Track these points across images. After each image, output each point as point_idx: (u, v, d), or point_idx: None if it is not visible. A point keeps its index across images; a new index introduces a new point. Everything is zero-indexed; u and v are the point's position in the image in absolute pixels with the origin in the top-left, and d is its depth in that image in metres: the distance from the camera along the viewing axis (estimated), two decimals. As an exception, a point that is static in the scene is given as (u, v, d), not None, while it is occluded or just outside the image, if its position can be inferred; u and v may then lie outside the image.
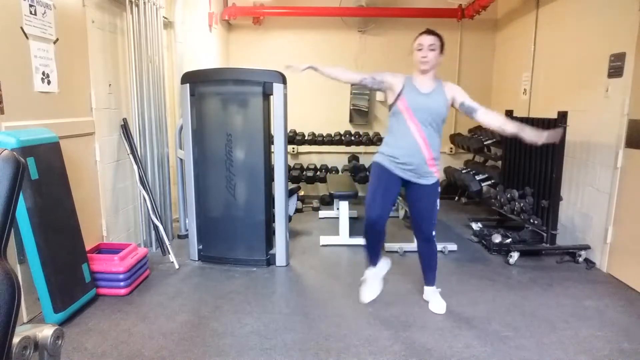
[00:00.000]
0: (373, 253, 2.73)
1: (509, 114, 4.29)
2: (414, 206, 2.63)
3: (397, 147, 2.50)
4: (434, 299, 2.72)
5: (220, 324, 2.48)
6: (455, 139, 5.82)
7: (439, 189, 2.61)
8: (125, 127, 3.40)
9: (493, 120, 2.43)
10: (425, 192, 2.55)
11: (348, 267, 3.46)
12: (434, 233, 2.64)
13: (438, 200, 2.61)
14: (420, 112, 2.43)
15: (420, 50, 2.42)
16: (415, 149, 2.46)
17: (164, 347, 2.24)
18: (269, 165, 3.34)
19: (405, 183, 2.56)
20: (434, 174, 2.54)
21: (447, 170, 5.72)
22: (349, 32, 5.69)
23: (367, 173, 4.84)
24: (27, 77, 2.42)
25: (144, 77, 3.45)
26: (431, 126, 2.46)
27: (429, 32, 2.46)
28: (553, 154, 3.47)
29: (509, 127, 2.38)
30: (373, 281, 2.77)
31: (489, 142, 5.07)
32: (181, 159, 3.84)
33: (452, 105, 2.51)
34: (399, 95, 2.46)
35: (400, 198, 4.37)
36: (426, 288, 2.78)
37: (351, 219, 4.24)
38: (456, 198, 5.64)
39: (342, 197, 3.96)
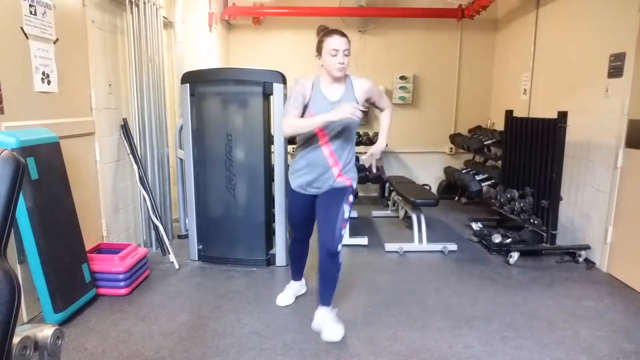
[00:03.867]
0: (295, 268, 2.81)
1: (509, 113, 4.29)
2: (317, 213, 2.35)
3: (301, 161, 2.35)
4: (329, 322, 2.33)
5: (220, 324, 2.48)
6: (455, 139, 5.82)
7: (350, 197, 2.35)
8: (125, 127, 3.40)
9: (382, 119, 2.49)
10: (329, 196, 2.33)
11: (348, 267, 3.45)
12: (339, 247, 2.25)
13: (346, 207, 2.30)
14: (330, 128, 2.23)
15: (335, 56, 2.16)
16: (321, 164, 2.30)
17: (164, 347, 2.24)
18: (269, 165, 3.34)
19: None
20: (344, 181, 2.34)
21: (447, 171, 5.73)
22: (349, 32, 5.60)
23: (367, 173, 4.84)
24: (27, 77, 2.42)
25: (144, 77, 3.45)
26: (341, 138, 2.28)
27: (342, 34, 2.21)
28: (553, 154, 3.47)
29: (381, 133, 2.46)
30: (289, 292, 2.80)
31: (489, 142, 5.08)
32: (181, 159, 3.84)
33: (366, 101, 2.37)
34: (306, 105, 2.24)
35: (400, 197, 4.37)
36: (320, 309, 2.39)
37: (351, 218, 4.24)
38: (456, 198, 5.64)
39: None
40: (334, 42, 2.17)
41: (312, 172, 2.35)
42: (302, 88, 2.26)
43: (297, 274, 2.83)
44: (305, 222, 2.57)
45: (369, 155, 2.39)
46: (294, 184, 2.44)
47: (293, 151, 2.51)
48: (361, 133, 5.65)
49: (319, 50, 2.25)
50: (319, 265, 2.35)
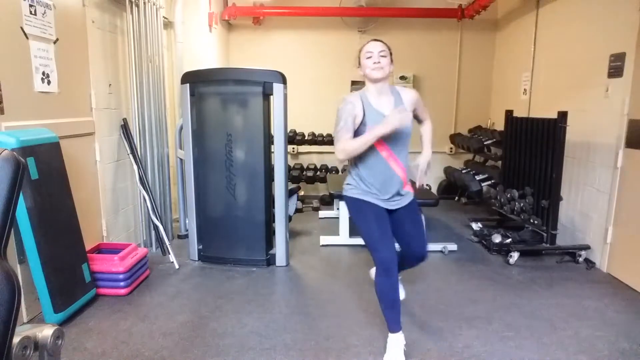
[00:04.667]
0: (396, 310, 2.15)
1: (509, 113, 4.29)
2: (401, 228, 2.26)
3: (374, 181, 2.19)
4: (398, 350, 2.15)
5: (220, 324, 2.48)
6: (455, 139, 5.82)
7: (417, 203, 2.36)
8: (125, 127, 3.40)
9: (424, 134, 2.45)
10: (407, 210, 2.27)
11: (348, 267, 3.46)
12: (427, 249, 2.32)
13: (422, 215, 2.38)
14: (389, 137, 2.11)
15: (370, 57, 2.12)
16: (393, 178, 2.19)
17: (164, 347, 2.24)
18: (269, 165, 3.34)
19: (388, 211, 2.26)
20: (410, 190, 2.30)
21: (447, 171, 5.73)
22: (349, 32, 5.69)
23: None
24: (27, 77, 2.42)
25: (144, 77, 3.45)
26: (401, 147, 2.21)
27: (376, 39, 2.19)
28: (553, 154, 3.47)
29: (426, 144, 2.43)
30: (398, 349, 2.14)
31: (489, 142, 5.08)
32: (181, 159, 3.84)
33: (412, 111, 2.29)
34: (362, 124, 2.13)
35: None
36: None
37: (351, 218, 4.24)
38: (456, 198, 5.64)
39: (342, 197, 3.94)
40: (368, 46, 2.16)
41: (384, 185, 2.20)
42: (351, 108, 2.13)
43: (397, 322, 2.16)
44: (390, 235, 2.16)
45: (422, 173, 2.32)
46: (365, 197, 2.21)
47: (346, 165, 2.37)
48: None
49: (358, 61, 2.21)
50: (403, 266, 2.31)
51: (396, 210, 2.25)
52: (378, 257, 2.10)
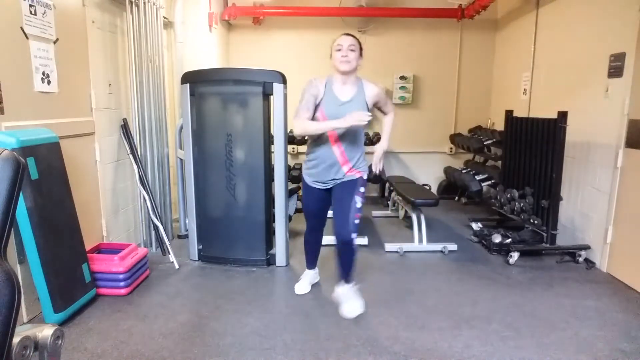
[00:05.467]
0: (310, 257, 2.96)
1: (509, 113, 4.29)
2: (333, 206, 2.56)
3: (314, 160, 2.55)
4: (349, 299, 2.57)
5: (220, 324, 2.48)
6: (455, 139, 5.82)
7: (361, 188, 2.52)
8: (125, 127, 3.41)
9: (385, 125, 2.68)
10: (341, 189, 2.52)
11: (348, 267, 3.45)
12: (353, 235, 2.45)
13: (357, 198, 2.47)
14: (340, 131, 2.40)
15: (339, 50, 2.38)
16: (332, 162, 2.49)
17: (164, 347, 2.24)
18: (269, 165, 3.34)
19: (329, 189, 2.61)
20: (354, 174, 2.53)
21: (447, 171, 5.73)
22: (349, 32, 5.68)
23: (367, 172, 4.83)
24: (27, 77, 2.42)
25: (144, 77, 3.45)
26: (350, 138, 2.44)
27: (347, 34, 2.45)
28: (553, 154, 3.47)
29: (383, 135, 2.67)
30: (306, 281, 2.95)
31: (489, 142, 5.08)
32: (181, 159, 3.84)
33: (374, 105, 2.55)
34: (319, 104, 2.43)
35: (400, 197, 4.37)
36: (341, 285, 2.65)
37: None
38: (456, 198, 5.64)
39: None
40: (339, 40, 2.42)
41: (324, 170, 2.53)
42: (314, 89, 2.42)
43: (311, 263, 2.97)
44: (318, 212, 2.74)
45: (377, 160, 2.59)
46: (307, 180, 2.64)
47: (306, 146, 2.69)
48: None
49: (331, 52, 2.46)
50: (337, 251, 2.61)
51: (333, 187, 2.56)
52: (307, 224, 2.83)
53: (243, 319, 2.54)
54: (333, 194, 2.58)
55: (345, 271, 2.62)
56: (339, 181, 2.54)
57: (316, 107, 2.44)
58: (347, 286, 2.65)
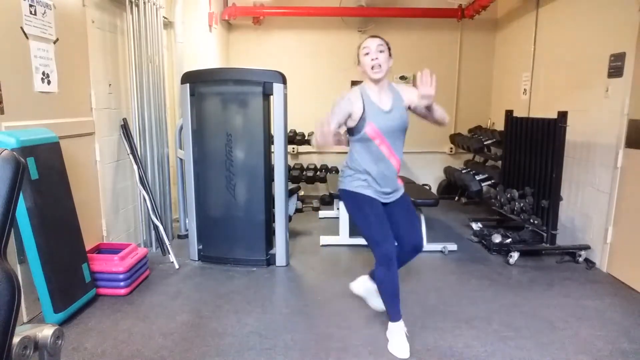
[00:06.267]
0: (397, 300, 2.26)
1: (509, 113, 4.29)
2: (395, 221, 2.30)
3: (373, 172, 2.23)
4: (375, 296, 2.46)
5: (220, 324, 2.48)
6: (455, 139, 5.82)
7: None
8: (125, 127, 3.40)
9: (438, 113, 2.23)
10: (401, 202, 2.35)
11: (348, 267, 3.45)
12: (423, 240, 2.48)
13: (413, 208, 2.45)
14: (389, 133, 2.19)
15: (367, 54, 2.16)
16: (390, 169, 2.25)
17: (164, 347, 2.24)
18: (269, 165, 3.34)
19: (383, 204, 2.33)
20: (401, 184, 2.40)
21: (447, 171, 5.73)
22: (349, 32, 5.69)
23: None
24: (27, 77, 2.42)
25: (144, 77, 3.45)
26: (398, 140, 2.26)
27: (374, 36, 2.24)
28: (553, 154, 3.47)
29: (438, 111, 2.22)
30: (402, 336, 2.24)
31: (489, 142, 5.08)
32: (181, 159, 3.84)
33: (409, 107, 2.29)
34: (362, 119, 2.16)
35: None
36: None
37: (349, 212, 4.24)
38: (456, 198, 5.64)
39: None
40: (365, 42, 2.21)
41: (382, 182, 2.25)
42: (348, 105, 2.17)
43: (399, 311, 2.26)
44: (388, 228, 2.22)
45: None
46: (362, 190, 2.25)
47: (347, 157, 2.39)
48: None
49: (357, 58, 2.24)
50: (403, 261, 2.37)
51: (390, 203, 2.32)
52: (380, 250, 2.17)
53: (243, 319, 2.54)
54: (396, 209, 2.32)
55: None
56: (395, 192, 2.33)
57: (360, 121, 2.18)
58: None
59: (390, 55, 2.21)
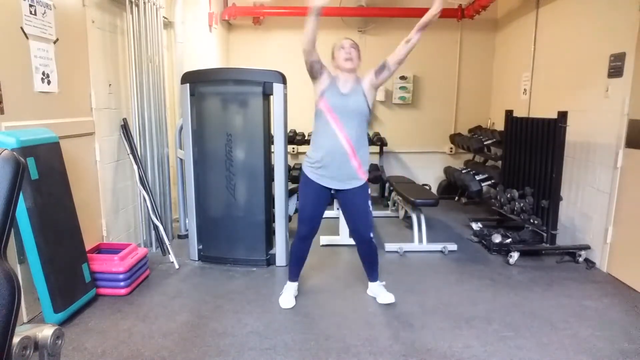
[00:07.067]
0: (297, 268, 2.82)
1: (509, 113, 4.29)
2: (346, 211, 2.67)
3: (319, 151, 2.53)
4: (381, 292, 2.81)
5: (220, 324, 2.48)
6: (455, 139, 5.82)
7: (369, 191, 2.64)
8: (125, 127, 3.40)
9: (401, 49, 2.49)
10: (354, 196, 2.59)
11: (348, 267, 3.45)
12: (372, 235, 2.67)
13: (369, 202, 2.63)
14: (340, 111, 2.48)
15: (343, 48, 2.52)
16: (344, 155, 2.49)
17: (164, 347, 2.24)
18: (269, 165, 3.34)
19: (334, 191, 2.62)
20: (361, 178, 2.58)
21: (447, 170, 5.73)
22: (349, 32, 5.68)
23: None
24: (27, 77, 2.42)
25: (144, 77, 3.45)
26: (356, 129, 2.49)
27: (347, 38, 2.60)
28: (553, 154, 3.47)
29: (414, 35, 2.47)
30: (290, 293, 2.79)
31: (489, 142, 5.08)
32: (181, 159, 3.84)
33: (374, 87, 2.56)
34: (322, 93, 2.51)
35: (400, 197, 4.37)
36: (370, 284, 2.87)
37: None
38: (456, 198, 5.64)
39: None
40: (340, 42, 2.58)
41: (332, 163, 2.51)
42: (327, 73, 2.54)
43: (296, 275, 2.84)
44: (316, 218, 2.67)
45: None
46: (312, 176, 2.58)
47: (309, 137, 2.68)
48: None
49: (332, 54, 2.60)
50: (361, 253, 2.77)
51: (344, 191, 2.58)
52: (300, 228, 2.67)
53: (243, 319, 2.54)
54: (345, 201, 2.63)
55: (373, 269, 2.82)
56: (350, 185, 2.56)
57: (320, 97, 2.52)
58: (375, 283, 2.85)
59: (359, 57, 2.55)
